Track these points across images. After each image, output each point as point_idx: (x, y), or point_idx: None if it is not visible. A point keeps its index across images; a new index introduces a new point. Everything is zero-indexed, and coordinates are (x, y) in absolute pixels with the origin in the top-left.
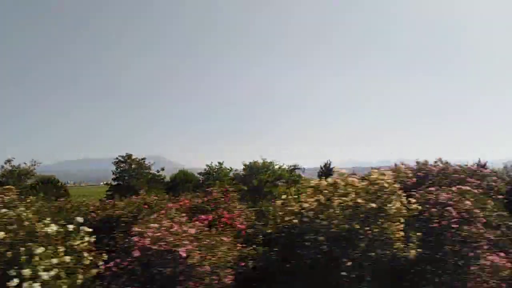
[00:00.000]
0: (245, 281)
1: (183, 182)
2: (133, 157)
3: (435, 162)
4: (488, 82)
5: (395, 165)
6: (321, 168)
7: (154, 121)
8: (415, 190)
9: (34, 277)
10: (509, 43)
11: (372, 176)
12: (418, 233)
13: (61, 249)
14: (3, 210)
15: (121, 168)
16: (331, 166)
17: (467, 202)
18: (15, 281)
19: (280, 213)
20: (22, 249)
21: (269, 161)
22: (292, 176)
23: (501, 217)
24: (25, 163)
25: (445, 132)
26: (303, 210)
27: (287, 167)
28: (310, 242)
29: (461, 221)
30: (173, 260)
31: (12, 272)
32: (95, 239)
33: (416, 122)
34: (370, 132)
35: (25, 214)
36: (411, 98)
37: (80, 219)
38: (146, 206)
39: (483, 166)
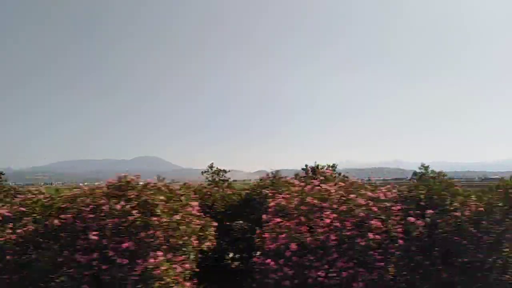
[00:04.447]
0: None
1: None
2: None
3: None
4: (487, 84)
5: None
6: (303, 169)
7: (152, 122)
8: None
9: None
10: (509, 43)
11: None
12: None
13: None
14: None
15: None
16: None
17: None
18: None
19: None
20: None
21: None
22: None
23: None
24: None
25: (443, 134)
26: None
27: None
28: None
29: None
30: None
31: None
32: None
33: (414, 124)
34: (369, 134)
35: None
36: (410, 101)
37: None
38: None
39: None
